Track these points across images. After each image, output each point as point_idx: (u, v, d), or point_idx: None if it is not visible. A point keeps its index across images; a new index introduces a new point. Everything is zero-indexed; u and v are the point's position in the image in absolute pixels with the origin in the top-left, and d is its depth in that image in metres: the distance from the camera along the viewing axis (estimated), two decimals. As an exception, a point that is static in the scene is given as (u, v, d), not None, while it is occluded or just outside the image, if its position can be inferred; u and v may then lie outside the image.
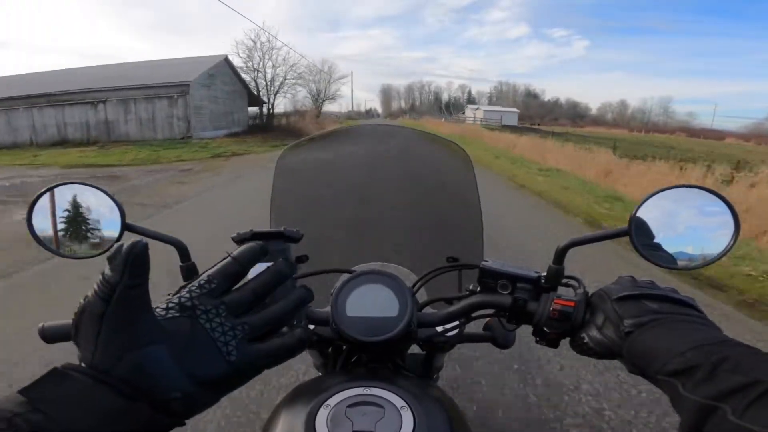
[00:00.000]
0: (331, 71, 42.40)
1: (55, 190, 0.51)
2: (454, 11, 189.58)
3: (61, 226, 0.51)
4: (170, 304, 0.30)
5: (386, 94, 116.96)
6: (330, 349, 0.64)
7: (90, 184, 0.52)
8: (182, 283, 0.55)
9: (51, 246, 0.51)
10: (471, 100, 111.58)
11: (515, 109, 66.36)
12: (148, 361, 0.27)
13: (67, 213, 0.51)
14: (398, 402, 0.42)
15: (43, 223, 0.51)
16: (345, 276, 0.57)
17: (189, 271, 0.57)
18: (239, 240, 0.50)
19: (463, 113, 69.81)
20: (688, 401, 0.33)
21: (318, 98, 39.67)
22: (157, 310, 0.30)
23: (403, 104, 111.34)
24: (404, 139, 0.89)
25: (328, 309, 0.55)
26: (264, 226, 0.51)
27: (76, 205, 0.51)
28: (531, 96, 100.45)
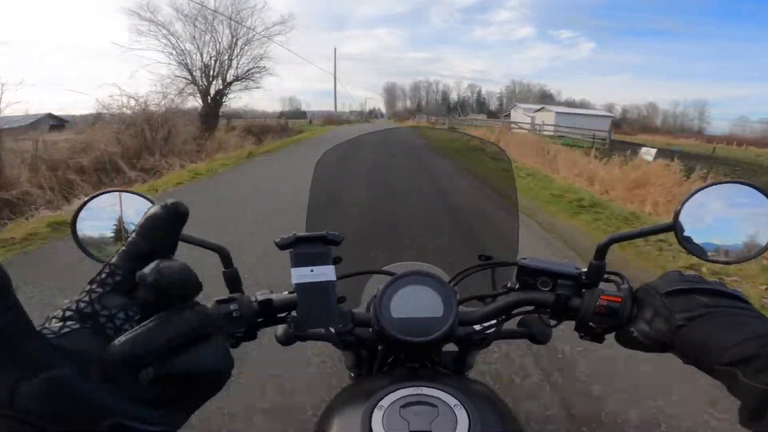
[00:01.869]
0: (240, 14, 18.13)
1: (101, 197, 0.55)
2: (460, 12, 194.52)
3: (105, 233, 0.55)
4: (68, 313, 0.25)
5: (390, 93, 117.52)
6: (364, 351, 0.68)
7: (133, 191, 0.56)
8: (227, 290, 0.59)
9: (94, 253, 0.55)
10: (481, 101, 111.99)
11: (608, 113, 41.21)
12: (51, 389, 0.23)
13: (111, 220, 0.55)
14: (451, 401, 0.46)
15: (87, 231, 0.55)
16: (387, 278, 0.60)
17: (232, 278, 0.60)
18: (283, 245, 0.54)
19: (506, 116, 48.30)
20: (749, 388, 0.38)
21: (208, 83, 17.14)
22: (53, 323, 0.25)
23: (408, 104, 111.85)
24: (440, 135, 0.93)
25: (362, 310, 0.60)
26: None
27: (120, 213, 0.55)
28: (547, 97, 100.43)
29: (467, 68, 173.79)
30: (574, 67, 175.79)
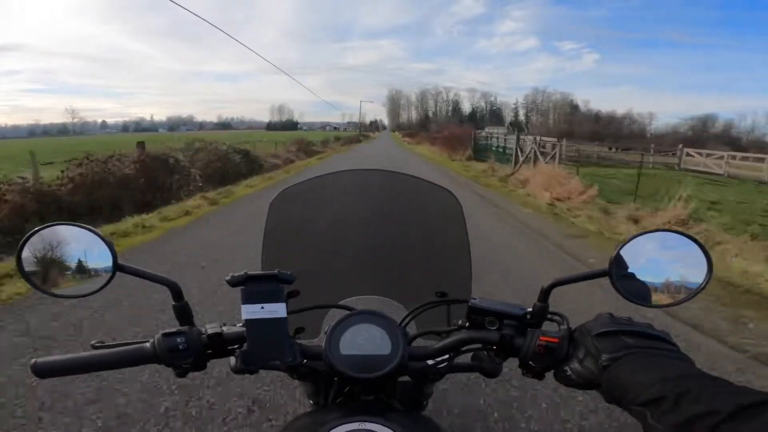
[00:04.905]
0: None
1: (47, 230, 0.62)
2: (463, 23, 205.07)
3: (52, 265, 0.62)
4: None
5: (394, 102, 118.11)
6: (322, 381, 0.75)
7: (81, 225, 0.63)
8: (177, 322, 0.66)
9: (41, 286, 0.62)
10: (496, 112, 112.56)
11: None
12: None
13: (58, 253, 0.62)
14: None
15: (33, 263, 0.62)
16: (338, 315, 0.68)
17: (182, 311, 0.67)
18: (234, 282, 0.62)
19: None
20: (655, 429, 0.43)
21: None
22: None
23: (414, 114, 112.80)
24: (394, 179, 1.02)
25: (319, 343, 0.67)
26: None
27: (67, 245, 0.62)
28: (573, 107, 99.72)
29: (471, 79, 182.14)
30: (578, 78, 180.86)
